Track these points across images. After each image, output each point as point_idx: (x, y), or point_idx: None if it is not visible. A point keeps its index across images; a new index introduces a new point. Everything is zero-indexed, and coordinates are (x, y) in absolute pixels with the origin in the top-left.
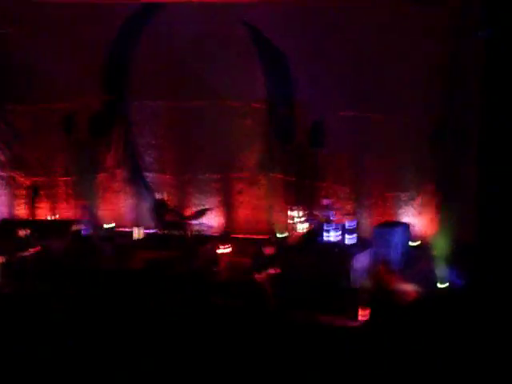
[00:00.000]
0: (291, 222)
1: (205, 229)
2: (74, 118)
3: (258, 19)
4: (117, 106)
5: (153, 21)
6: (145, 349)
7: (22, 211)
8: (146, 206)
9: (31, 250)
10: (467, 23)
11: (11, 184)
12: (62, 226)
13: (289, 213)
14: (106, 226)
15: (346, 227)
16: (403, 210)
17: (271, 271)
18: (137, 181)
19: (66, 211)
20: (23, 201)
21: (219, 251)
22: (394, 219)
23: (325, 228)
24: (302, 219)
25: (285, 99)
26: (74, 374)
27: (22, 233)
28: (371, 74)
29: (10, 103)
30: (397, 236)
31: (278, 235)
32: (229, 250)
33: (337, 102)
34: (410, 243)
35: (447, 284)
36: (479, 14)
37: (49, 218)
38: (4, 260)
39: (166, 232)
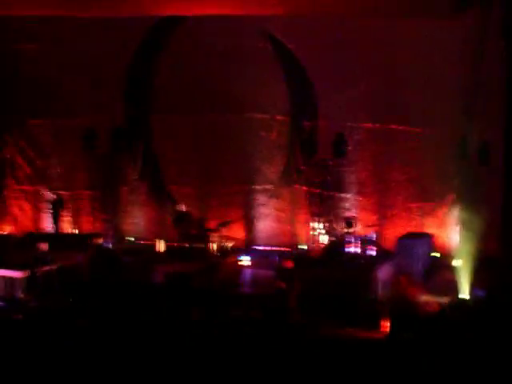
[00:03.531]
0: (314, 233)
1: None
2: (96, 132)
3: (281, 32)
4: (139, 120)
5: (175, 34)
6: (166, 360)
7: (45, 225)
8: (168, 219)
9: (54, 264)
10: (488, 37)
11: (35, 198)
12: (85, 239)
13: (311, 225)
14: (128, 239)
15: (369, 239)
16: (426, 221)
17: (291, 284)
18: (159, 194)
19: (89, 225)
20: (47, 214)
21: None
22: (417, 230)
23: (347, 240)
24: (325, 231)
25: (308, 111)
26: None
27: (44, 246)
28: (394, 87)
29: (32, 118)
30: (419, 247)
31: (301, 247)
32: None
33: (360, 114)
34: (433, 254)
35: (470, 295)
36: (499, 28)
37: (72, 231)
38: (27, 274)
39: (188, 245)
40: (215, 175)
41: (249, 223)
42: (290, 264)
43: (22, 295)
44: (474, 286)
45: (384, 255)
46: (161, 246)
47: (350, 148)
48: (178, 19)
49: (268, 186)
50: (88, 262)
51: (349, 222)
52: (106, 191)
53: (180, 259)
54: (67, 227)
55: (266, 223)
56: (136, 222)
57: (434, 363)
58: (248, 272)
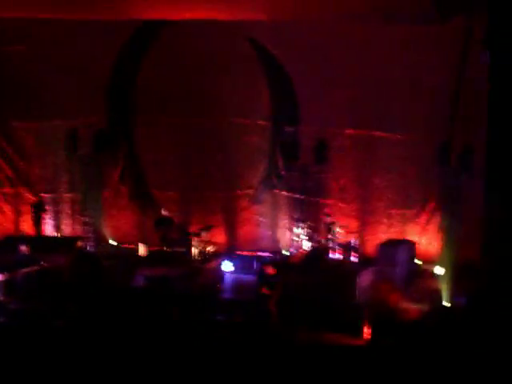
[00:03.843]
0: (295, 239)
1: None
2: (78, 134)
3: (264, 37)
4: (121, 123)
5: (158, 38)
6: (146, 366)
7: (26, 227)
8: (150, 223)
9: (35, 267)
10: (471, 44)
11: (16, 200)
12: (66, 242)
13: (293, 230)
14: (110, 242)
15: (350, 245)
16: (408, 228)
17: (273, 290)
18: (141, 197)
19: (70, 228)
20: (28, 217)
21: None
22: (399, 237)
23: (329, 246)
24: (306, 237)
25: (290, 117)
26: None
27: (25, 249)
28: (376, 93)
29: (13, 120)
30: (400, 254)
31: (283, 253)
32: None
33: (341, 120)
34: (414, 261)
35: (450, 302)
36: (482, 35)
37: (53, 234)
38: (7, 277)
39: (169, 249)
40: (197, 179)
41: (230, 228)
42: (271, 269)
43: (1, 297)
44: (454, 294)
45: (365, 262)
46: (142, 249)
47: (330, 153)
48: (162, 22)
49: (249, 191)
50: (69, 265)
51: (330, 228)
52: (88, 194)
53: (161, 263)
54: (49, 230)
55: (248, 228)
56: (118, 225)
57: (414, 370)
58: (229, 277)
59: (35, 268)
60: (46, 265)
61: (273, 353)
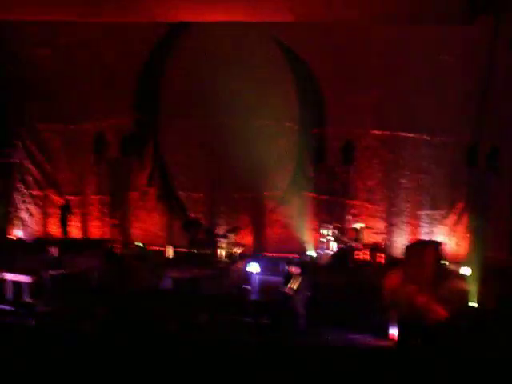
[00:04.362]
0: (322, 240)
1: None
2: (106, 137)
3: (291, 39)
4: (149, 125)
5: (184, 40)
6: (173, 368)
7: (54, 230)
8: (177, 225)
9: (63, 269)
10: (499, 44)
11: (44, 203)
12: (94, 244)
13: (320, 231)
14: (137, 244)
15: (377, 246)
16: (435, 229)
17: (299, 290)
18: (169, 199)
19: (98, 230)
20: (56, 219)
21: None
22: (426, 238)
23: (356, 247)
24: (333, 238)
25: (317, 118)
26: None
27: (54, 251)
28: (402, 94)
29: (41, 123)
30: (428, 255)
31: (309, 254)
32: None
33: (369, 121)
34: (442, 262)
35: (478, 304)
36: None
37: (81, 236)
38: (35, 279)
39: (197, 251)
40: (225, 181)
41: (257, 229)
42: (297, 270)
43: (29, 299)
44: (482, 295)
45: (392, 263)
46: (169, 251)
47: (357, 155)
48: (189, 24)
49: (277, 193)
50: (97, 267)
51: (357, 229)
52: (115, 196)
53: (189, 265)
54: (76, 232)
55: (275, 230)
56: (145, 227)
57: (441, 371)
58: (256, 278)
59: (63, 270)
60: (74, 268)
61: (298, 353)
